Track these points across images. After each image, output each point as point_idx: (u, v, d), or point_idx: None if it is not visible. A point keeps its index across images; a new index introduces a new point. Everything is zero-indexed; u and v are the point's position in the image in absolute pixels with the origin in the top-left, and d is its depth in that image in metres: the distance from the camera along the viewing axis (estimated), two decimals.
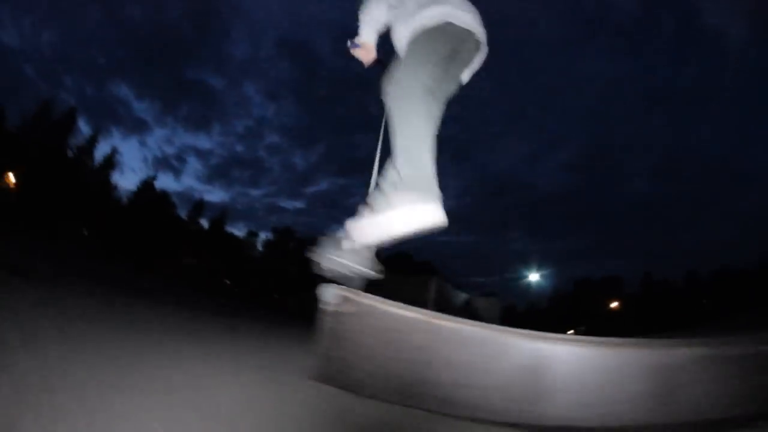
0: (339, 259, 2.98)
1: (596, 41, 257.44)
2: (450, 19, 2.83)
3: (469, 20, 2.91)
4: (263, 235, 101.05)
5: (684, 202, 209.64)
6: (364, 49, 3.56)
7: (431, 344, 2.34)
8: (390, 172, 2.83)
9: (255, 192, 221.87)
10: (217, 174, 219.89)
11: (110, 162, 77.09)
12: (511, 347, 2.22)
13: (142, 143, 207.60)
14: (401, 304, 2.51)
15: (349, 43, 3.58)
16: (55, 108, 71.61)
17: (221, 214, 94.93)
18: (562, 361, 2.15)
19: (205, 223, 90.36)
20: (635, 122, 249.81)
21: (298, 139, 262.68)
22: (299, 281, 71.81)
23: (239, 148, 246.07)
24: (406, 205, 2.46)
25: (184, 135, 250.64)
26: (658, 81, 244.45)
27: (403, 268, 66.75)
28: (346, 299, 2.51)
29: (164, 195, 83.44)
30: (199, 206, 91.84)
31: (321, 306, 2.55)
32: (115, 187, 78.06)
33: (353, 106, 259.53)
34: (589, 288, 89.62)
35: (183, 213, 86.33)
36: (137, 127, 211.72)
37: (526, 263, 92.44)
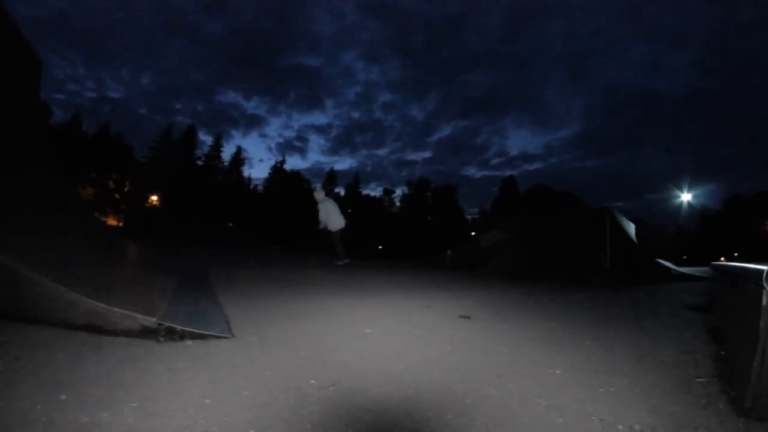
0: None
1: None
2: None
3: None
4: (399, 191, 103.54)
5: None
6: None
7: None
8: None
9: (381, 152, 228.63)
10: (340, 143, 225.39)
11: (238, 159, 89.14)
12: None
13: (263, 135, 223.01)
14: None
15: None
16: (175, 131, 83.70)
17: (354, 180, 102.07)
18: None
19: (341, 190, 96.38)
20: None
21: (410, 92, 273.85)
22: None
23: (355, 114, 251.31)
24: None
25: (300, 117, 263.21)
26: None
27: (551, 203, 66.94)
28: None
29: (296, 174, 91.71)
30: (331, 176, 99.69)
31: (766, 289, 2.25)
32: (249, 180, 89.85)
33: (453, 47, 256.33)
34: (741, 206, 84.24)
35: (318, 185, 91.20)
36: (254, 123, 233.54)
37: (668, 182, 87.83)
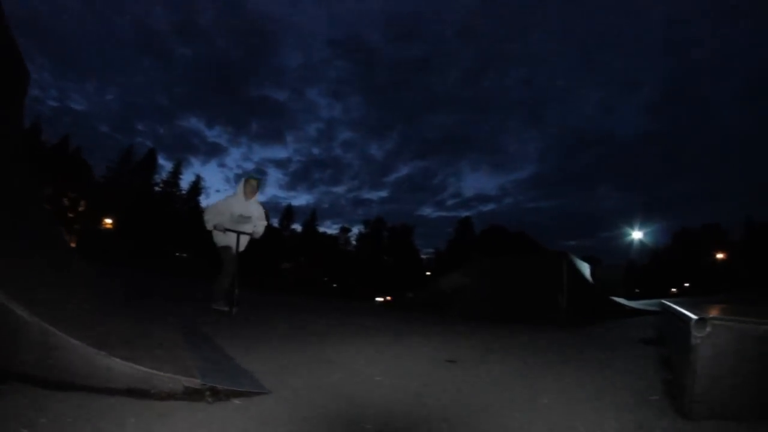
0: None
1: None
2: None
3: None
4: (355, 230, 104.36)
5: None
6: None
7: None
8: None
9: (338, 189, 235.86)
10: (298, 179, 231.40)
11: (196, 188, 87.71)
12: None
13: (222, 165, 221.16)
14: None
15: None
16: (135, 153, 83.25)
17: (311, 216, 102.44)
18: None
19: (297, 227, 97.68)
20: (715, 45, 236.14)
21: (370, 131, 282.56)
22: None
23: (315, 150, 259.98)
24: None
25: (261, 150, 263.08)
26: None
27: (506, 243, 68.16)
28: (714, 324, 3.25)
29: None
30: (288, 212, 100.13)
31: (690, 334, 3.29)
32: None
33: (417, 89, 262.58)
34: (688, 239, 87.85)
35: (274, 222, 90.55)
36: (214, 152, 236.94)
37: (619, 219, 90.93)
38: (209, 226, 8.35)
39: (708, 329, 3.22)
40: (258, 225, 8.90)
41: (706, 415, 3.23)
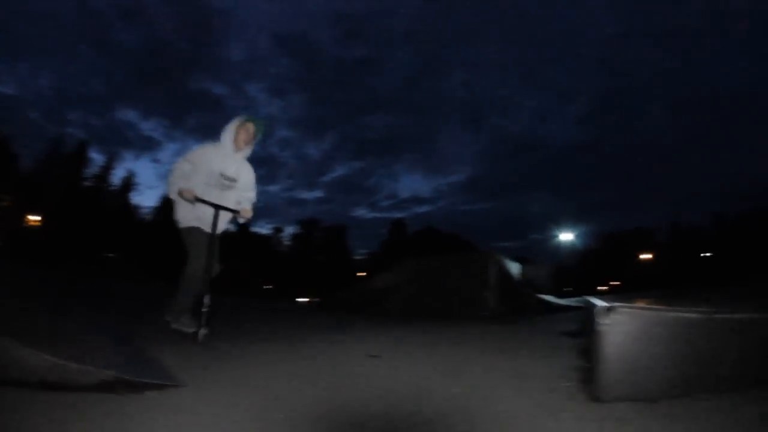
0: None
1: None
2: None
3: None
4: (289, 230, 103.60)
5: (705, 143, 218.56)
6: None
7: (710, 335, 3.48)
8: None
9: (273, 188, 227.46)
10: None
11: (128, 185, 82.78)
12: None
13: (156, 160, 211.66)
14: (666, 306, 3.65)
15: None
16: (65, 144, 78.10)
17: None
18: None
19: (231, 226, 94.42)
20: (645, 65, 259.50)
21: (308, 130, 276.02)
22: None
23: None
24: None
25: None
26: (666, 21, 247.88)
27: (439, 244, 68.82)
28: (620, 311, 3.38)
29: None
30: None
31: (595, 322, 3.41)
32: (136, 208, 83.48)
33: (358, 89, 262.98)
34: (618, 241, 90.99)
35: None
36: (148, 146, 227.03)
37: (551, 222, 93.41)
38: (173, 190, 5.61)
39: (615, 316, 3.34)
40: (245, 199, 6.20)
41: (615, 397, 3.33)
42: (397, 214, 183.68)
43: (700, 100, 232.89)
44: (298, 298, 55.69)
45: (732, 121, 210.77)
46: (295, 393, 3.73)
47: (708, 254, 74.53)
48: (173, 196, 5.63)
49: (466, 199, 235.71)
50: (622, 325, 3.35)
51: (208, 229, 5.62)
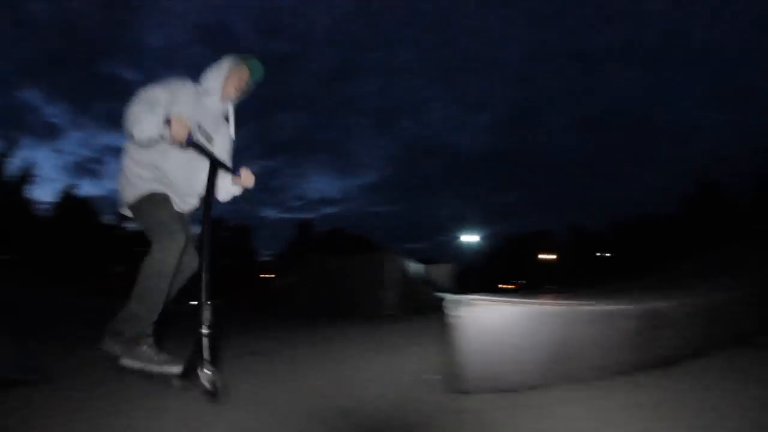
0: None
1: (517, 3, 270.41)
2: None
3: None
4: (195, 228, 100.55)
5: (605, 156, 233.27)
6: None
7: (568, 326, 3.60)
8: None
9: None
10: None
11: (25, 176, 71.88)
12: None
13: (57, 150, 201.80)
14: (523, 299, 3.85)
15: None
16: None
17: None
18: None
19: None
20: (556, 82, 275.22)
21: None
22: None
23: None
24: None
25: (101, 135, 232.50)
26: (578, 41, 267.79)
27: (345, 245, 68.92)
28: (474, 305, 3.46)
29: (85, 202, 78.61)
30: None
31: (450, 316, 3.48)
32: (32, 202, 73.40)
33: (273, 86, 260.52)
34: (522, 243, 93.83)
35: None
36: (49, 133, 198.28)
37: (458, 225, 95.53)
38: (141, 125, 3.37)
39: (469, 309, 3.42)
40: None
41: (477, 388, 3.40)
42: (307, 215, 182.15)
43: (602, 116, 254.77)
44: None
45: (629, 137, 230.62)
46: None
47: (606, 254, 78.04)
48: (140, 133, 3.37)
49: (375, 200, 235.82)
50: (477, 318, 3.42)
51: (177, 203, 3.98)
